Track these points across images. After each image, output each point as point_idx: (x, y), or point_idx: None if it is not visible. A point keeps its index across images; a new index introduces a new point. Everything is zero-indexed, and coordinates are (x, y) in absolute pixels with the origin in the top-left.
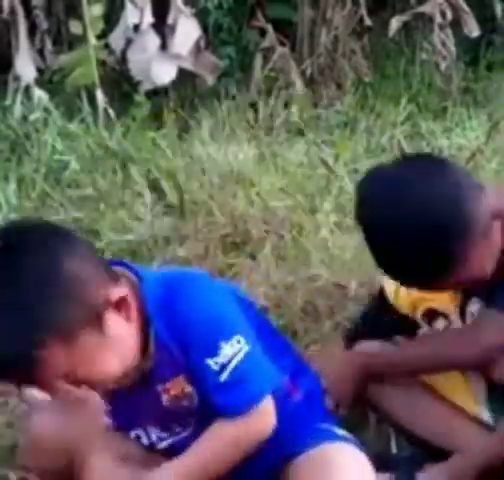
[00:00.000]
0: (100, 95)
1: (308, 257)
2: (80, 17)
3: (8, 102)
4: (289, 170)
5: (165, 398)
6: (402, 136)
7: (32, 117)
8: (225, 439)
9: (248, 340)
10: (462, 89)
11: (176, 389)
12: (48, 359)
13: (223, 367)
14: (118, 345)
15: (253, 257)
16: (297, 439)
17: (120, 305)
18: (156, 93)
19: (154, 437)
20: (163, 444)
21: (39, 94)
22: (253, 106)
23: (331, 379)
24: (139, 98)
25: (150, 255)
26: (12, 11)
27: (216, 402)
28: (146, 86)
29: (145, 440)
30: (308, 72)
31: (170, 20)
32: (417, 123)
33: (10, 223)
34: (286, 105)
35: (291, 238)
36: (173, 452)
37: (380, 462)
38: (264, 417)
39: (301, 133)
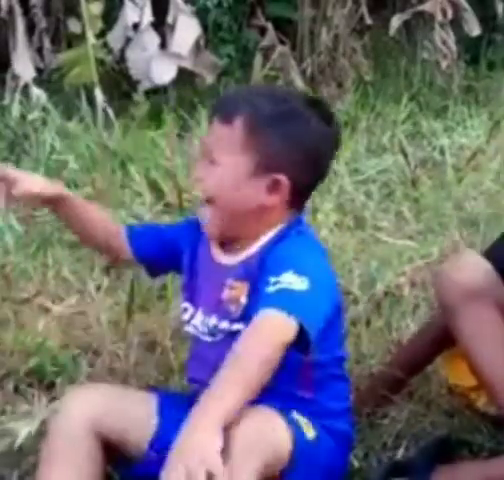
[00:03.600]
0: (99, 94)
1: None
2: (79, 16)
3: (6, 101)
4: None
5: (226, 292)
6: (403, 135)
7: (30, 116)
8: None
9: (315, 287)
10: (463, 88)
11: (237, 292)
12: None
13: (276, 283)
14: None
15: None
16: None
17: (275, 187)
18: (155, 92)
19: (197, 321)
20: (193, 331)
21: (37, 93)
22: None
23: None
24: (138, 97)
25: None
26: (10, 10)
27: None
28: (145, 85)
29: (187, 316)
30: (308, 71)
31: (170, 19)
32: (418, 122)
33: None
34: None
35: None
36: (193, 343)
37: (396, 468)
38: (287, 332)
39: None
